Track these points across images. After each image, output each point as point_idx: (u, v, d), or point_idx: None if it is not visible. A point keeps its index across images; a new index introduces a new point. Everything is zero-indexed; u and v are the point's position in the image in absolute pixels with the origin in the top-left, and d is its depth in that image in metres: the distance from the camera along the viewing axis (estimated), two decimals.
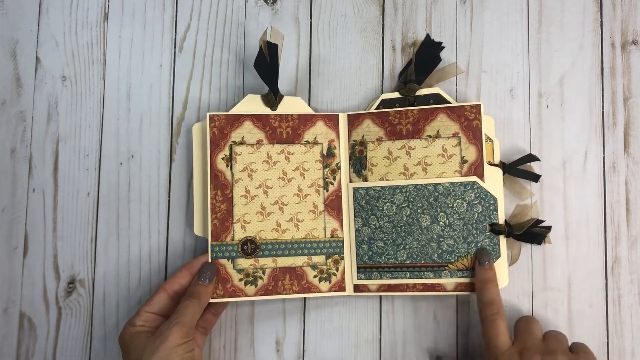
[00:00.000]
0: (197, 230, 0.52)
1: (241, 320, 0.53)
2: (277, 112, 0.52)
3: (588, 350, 0.46)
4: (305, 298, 0.53)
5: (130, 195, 0.54)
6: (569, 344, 0.47)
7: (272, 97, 0.52)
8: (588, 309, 0.53)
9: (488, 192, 0.50)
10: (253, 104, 0.53)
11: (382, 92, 0.55)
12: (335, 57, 0.56)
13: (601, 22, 0.56)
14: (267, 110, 0.53)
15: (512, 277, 0.53)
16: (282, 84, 0.55)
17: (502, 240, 0.51)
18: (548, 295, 0.53)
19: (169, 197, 0.54)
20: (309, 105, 0.55)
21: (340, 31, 0.56)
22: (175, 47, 0.55)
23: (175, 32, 0.56)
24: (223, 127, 0.51)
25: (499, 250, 0.50)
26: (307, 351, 0.53)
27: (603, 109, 0.55)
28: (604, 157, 0.55)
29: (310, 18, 0.56)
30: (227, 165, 0.51)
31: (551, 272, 0.53)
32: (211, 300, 0.50)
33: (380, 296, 0.53)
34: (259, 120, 0.52)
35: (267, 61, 0.50)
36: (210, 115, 0.51)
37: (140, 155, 0.54)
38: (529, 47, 0.56)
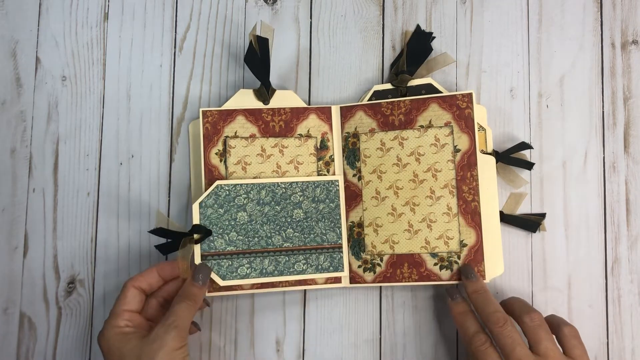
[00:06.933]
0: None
1: (241, 320, 0.53)
2: (270, 106, 0.52)
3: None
4: (304, 298, 0.53)
5: (130, 195, 0.54)
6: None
7: (265, 91, 0.52)
8: (588, 309, 0.53)
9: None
10: (245, 99, 0.53)
11: None
12: (335, 57, 0.56)
13: (601, 22, 0.56)
14: (259, 105, 0.53)
15: (512, 277, 0.53)
16: (282, 83, 0.55)
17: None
18: (548, 295, 0.53)
19: (169, 197, 0.54)
20: (309, 104, 0.55)
21: (340, 31, 0.56)
22: (175, 47, 0.55)
23: (175, 32, 0.56)
24: (216, 123, 0.51)
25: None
26: (307, 351, 0.53)
27: (603, 109, 0.55)
28: (604, 157, 0.55)
29: (310, 18, 0.56)
30: (220, 160, 0.51)
31: (551, 272, 0.53)
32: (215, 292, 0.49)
33: (380, 296, 0.53)
34: (251, 114, 0.52)
35: (258, 55, 0.50)
36: (203, 110, 0.51)
37: (140, 155, 0.54)
38: (529, 47, 0.56)
